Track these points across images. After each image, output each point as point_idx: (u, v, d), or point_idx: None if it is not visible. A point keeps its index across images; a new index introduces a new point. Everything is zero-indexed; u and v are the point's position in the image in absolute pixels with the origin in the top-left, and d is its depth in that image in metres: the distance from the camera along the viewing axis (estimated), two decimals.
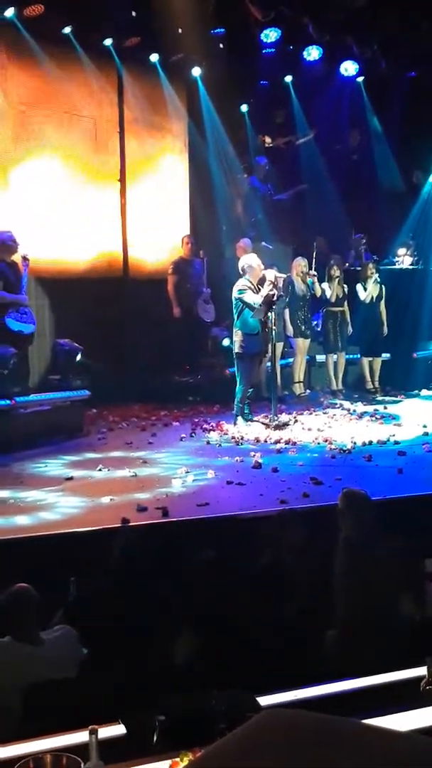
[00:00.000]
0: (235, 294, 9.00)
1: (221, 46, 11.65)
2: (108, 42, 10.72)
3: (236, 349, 9.11)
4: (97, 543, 5.02)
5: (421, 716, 2.76)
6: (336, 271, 10.97)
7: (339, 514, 4.44)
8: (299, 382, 10.90)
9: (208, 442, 8.41)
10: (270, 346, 9.16)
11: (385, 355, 11.44)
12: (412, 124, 12.51)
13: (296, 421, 9.23)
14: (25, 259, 8.57)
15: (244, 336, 9.00)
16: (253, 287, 8.97)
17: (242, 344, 9.01)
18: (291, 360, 10.92)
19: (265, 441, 8.37)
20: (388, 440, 8.32)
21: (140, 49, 11.05)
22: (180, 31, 10.80)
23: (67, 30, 10.15)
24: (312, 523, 4.89)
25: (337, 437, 8.41)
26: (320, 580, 4.25)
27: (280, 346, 10.19)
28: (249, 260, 9.20)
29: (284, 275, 9.78)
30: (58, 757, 2.23)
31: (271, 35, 11.78)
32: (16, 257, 8.60)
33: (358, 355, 11.37)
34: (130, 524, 5.44)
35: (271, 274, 8.99)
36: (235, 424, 8.99)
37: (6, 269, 8.44)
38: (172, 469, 7.24)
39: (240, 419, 9.01)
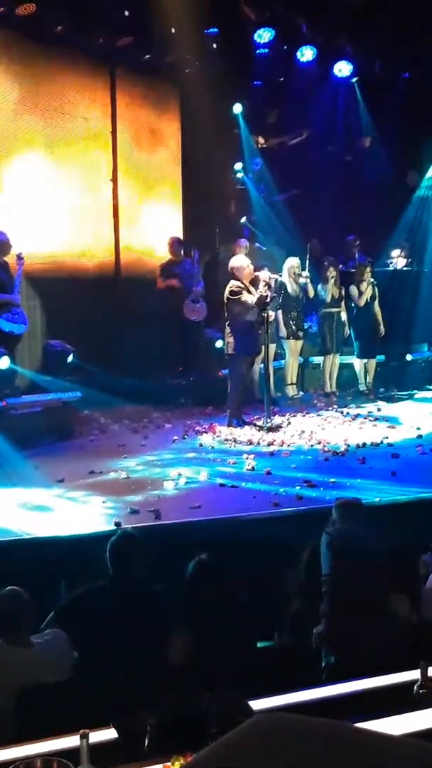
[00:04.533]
0: (226, 295, 8.97)
1: (215, 46, 11.63)
2: (101, 41, 10.70)
3: (227, 350, 9.08)
4: (89, 546, 5.00)
5: (414, 720, 2.75)
6: (331, 272, 10.96)
7: (332, 524, 4.45)
8: (292, 383, 10.86)
9: (200, 444, 8.36)
10: (263, 347, 9.13)
11: (379, 357, 11.44)
12: (406, 125, 12.52)
13: (289, 423, 9.21)
14: (20, 258, 8.51)
15: (236, 337, 8.97)
16: (245, 288, 8.94)
17: (233, 346, 8.99)
18: (283, 361, 10.89)
19: (258, 443, 8.34)
20: (382, 442, 8.31)
21: (133, 48, 11.03)
22: (173, 30, 10.78)
23: (59, 29, 10.12)
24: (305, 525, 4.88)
25: (330, 439, 8.39)
26: (314, 582, 4.23)
27: (273, 347, 10.16)
28: (237, 261, 9.17)
29: (277, 276, 9.76)
30: (49, 762, 2.21)
31: (264, 35, 11.78)
32: (10, 257, 8.56)
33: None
34: (122, 527, 5.41)
35: (264, 275, 8.97)
36: (229, 426, 8.96)
37: None
38: (164, 472, 7.21)
39: (234, 421, 8.98)
